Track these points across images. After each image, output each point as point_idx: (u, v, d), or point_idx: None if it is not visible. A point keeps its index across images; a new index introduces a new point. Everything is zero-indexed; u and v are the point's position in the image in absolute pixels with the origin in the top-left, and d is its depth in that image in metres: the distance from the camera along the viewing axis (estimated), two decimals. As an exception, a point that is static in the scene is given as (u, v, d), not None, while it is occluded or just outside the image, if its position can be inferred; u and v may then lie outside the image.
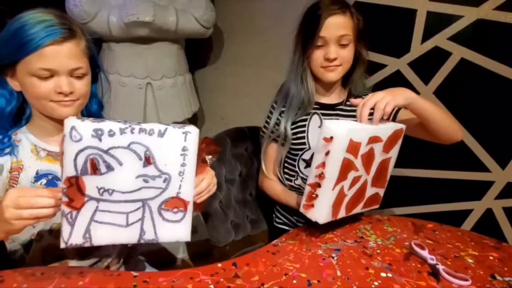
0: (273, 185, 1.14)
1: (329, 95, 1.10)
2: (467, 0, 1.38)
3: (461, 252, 0.85)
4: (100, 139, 0.63)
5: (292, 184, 1.12)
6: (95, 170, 0.63)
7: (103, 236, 0.68)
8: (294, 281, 0.72)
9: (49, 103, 0.77)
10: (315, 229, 0.92)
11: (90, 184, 0.64)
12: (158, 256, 1.79)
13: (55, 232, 0.82)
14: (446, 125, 0.92)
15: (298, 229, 0.92)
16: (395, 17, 1.52)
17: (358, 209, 0.93)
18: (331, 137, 0.78)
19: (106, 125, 0.63)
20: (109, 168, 0.65)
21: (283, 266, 0.76)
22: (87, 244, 0.67)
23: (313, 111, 1.07)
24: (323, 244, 0.85)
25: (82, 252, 0.87)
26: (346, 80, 1.10)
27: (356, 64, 1.05)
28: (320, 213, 0.84)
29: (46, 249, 0.83)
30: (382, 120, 0.85)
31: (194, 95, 1.97)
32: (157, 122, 0.70)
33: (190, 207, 0.72)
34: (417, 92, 1.51)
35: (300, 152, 1.08)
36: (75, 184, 0.63)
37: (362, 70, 1.07)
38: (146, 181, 0.68)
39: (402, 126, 0.90)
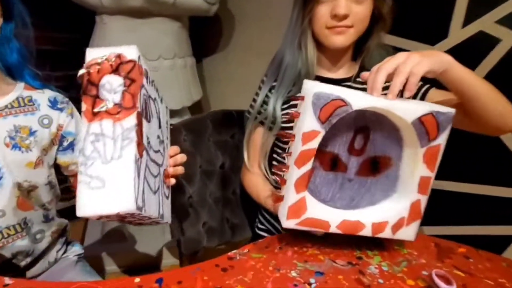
0: (255, 180, 0.89)
1: (335, 70, 0.85)
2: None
3: (507, 293, 0.57)
4: (147, 82, 0.53)
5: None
6: (146, 114, 0.52)
7: (148, 201, 0.51)
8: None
9: None
10: (297, 239, 0.67)
11: (144, 129, 0.51)
12: (137, 263, 1.60)
13: None
14: (496, 106, 0.64)
15: (271, 238, 0.68)
16: (430, -3, 1.27)
17: None
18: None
19: (147, 68, 0.53)
20: (150, 117, 0.54)
21: (232, 290, 0.52)
22: (143, 212, 0.48)
23: (312, 88, 0.83)
24: (300, 263, 0.60)
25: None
26: (358, 52, 0.85)
27: (373, 26, 0.79)
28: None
29: None
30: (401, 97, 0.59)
31: (196, 82, 1.77)
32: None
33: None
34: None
35: (291, 140, 0.83)
36: (140, 123, 0.49)
37: (381, 36, 0.81)
38: (159, 143, 0.60)
39: (433, 109, 0.57)
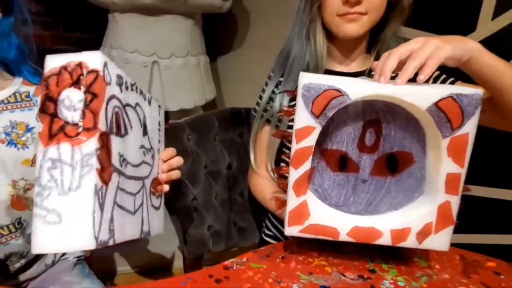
0: (262, 183, 0.83)
1: (348, 63, 0.78)
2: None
3: (546, 318, 0.49)
4: (121, 89, 0.46)
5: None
6: (119, 128, 0.45)
7: (122, 227, 0.46)
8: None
9: None
10: (303, 247, 0.61)
11: (115, 147, 0.44)
12: (149, 264, 1.57)
13: None
14: None
15: (274, 246, 0.62)
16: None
17: None
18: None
19: (123, 73, 0.47)
20: (126, 130, 0.47)
21: (226, 304, 0.47)
22: (110, 242, 0.44)
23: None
24: (304, 275, 0.54)
25: None
26: (373, 43, 0.78)
27: (389, 14, 0.72)
28: None
29: None
30: (412, 82, 0.52)
31: (209, 81, 1.73)
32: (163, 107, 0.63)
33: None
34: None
35: (300, 139, 0.77)
36: (105, 145, 0.42)
37: (398, 25, 0.74)
38: (144, 153, 0.54)
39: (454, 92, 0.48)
